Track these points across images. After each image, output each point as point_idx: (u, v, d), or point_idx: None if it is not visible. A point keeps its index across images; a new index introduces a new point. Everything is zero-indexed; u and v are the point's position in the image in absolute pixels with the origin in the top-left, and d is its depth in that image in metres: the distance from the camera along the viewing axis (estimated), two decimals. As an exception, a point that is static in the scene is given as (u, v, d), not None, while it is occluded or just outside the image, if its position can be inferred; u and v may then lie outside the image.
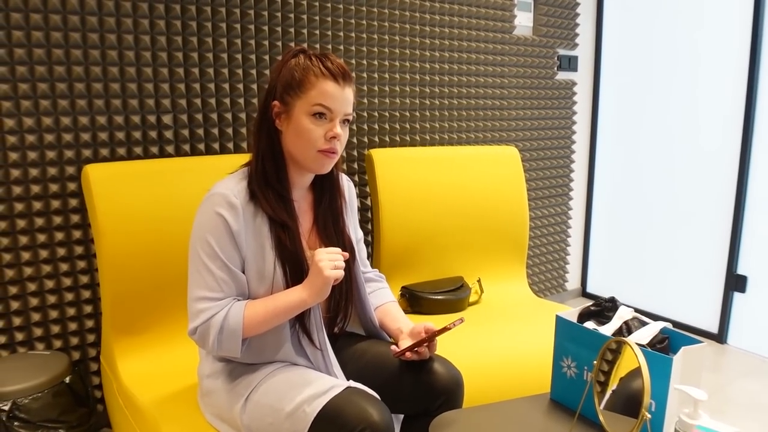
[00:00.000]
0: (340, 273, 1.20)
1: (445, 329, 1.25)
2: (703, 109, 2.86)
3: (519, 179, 2.46)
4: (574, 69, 3.14)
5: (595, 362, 1.20)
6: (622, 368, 1.23)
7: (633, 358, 1.23)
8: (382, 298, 1.51)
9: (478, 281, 2.26)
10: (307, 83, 1.21)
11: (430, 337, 1.27)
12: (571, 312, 1.41)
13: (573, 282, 3.52)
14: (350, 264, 1.35)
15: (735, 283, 2.82)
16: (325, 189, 1.38)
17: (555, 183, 3.20)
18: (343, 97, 1.23)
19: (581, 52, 3.20)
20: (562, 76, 3.10)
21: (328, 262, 1.18)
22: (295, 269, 1.25)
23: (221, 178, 1.28)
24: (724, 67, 2.76)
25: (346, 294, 1.38)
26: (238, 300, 1.23)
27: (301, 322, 1.28)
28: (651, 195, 3.17)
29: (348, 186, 1.46)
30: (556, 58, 3.03)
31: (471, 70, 2.66)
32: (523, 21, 2.85)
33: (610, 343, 1.17)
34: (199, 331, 1.19)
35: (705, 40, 2.82)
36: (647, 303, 3.19)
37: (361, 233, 1.51)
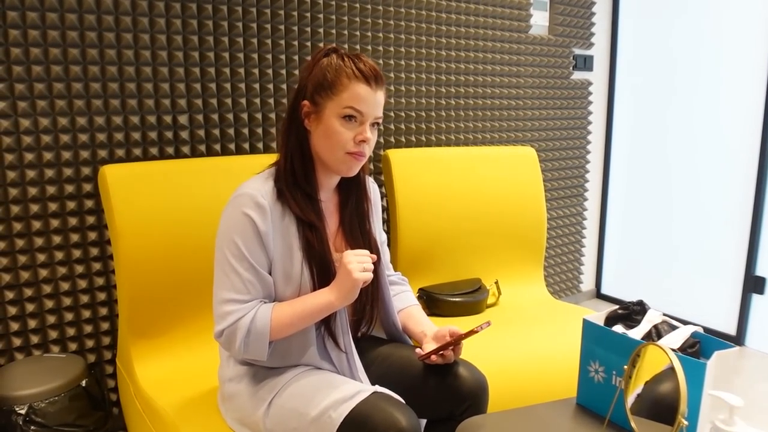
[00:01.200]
0: (369, 275, 1.18)
1: (472, 332, 1.22)
2: (721, 109, 2.82)
3: (537, 180, 2.43)
4: (590, 69, 3.11)
5: (626, 367, 1.17)
6: (645, 371, 1.20)
7: (657, 361, 1.20)
8: (405, 301, 1.49)
9: (496, 283, 2.23)
10: (340, 85, 1.19)
11: (456, 341, 1.25)
12: (597, 315, 1.38)
13: (587, 283, 3.49)
14: (376, 267, 1.33)
15: (753, 284, 2.78)
16: (351, 191, 1.36)
17: (570, 184, 3.16)
18: (374, 101, 1.21)
19: (596, 52, 3.16)
20: (577, 75, 3.07)
21: (357, 264, 1.16)
22: (322, 271, 1.23)
23: (246, 179, 1.26)
24: (741, 67, 2.72)
25: (372, 297, 1.36)
26: (265, 302, 1.21)
27: (326, 324, 1.26)
28: (666, 196, 3.13)
29: (373, 188, 1.44)
30: (571, 58, 3.00)
31: (487, 69, 2.63)
32: (539, 20, 2.82)
33: (643, 347, 1.14)
34: (226, 334, 1.17)
35: (722, 39, 2.79)
36: (663, 305, 3.15)
37: (384, 236, 1.49)
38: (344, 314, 1.27)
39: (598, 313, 1.39)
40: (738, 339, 2.84)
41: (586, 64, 3.07)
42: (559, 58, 2.94)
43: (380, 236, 1.45)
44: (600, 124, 3.32)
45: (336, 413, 1.11)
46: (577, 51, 3.04)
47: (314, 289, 1.23)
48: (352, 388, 1.16)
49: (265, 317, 1.17)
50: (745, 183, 2.76)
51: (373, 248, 1.35)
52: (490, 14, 2.60)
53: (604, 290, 3.54)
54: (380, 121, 1.25)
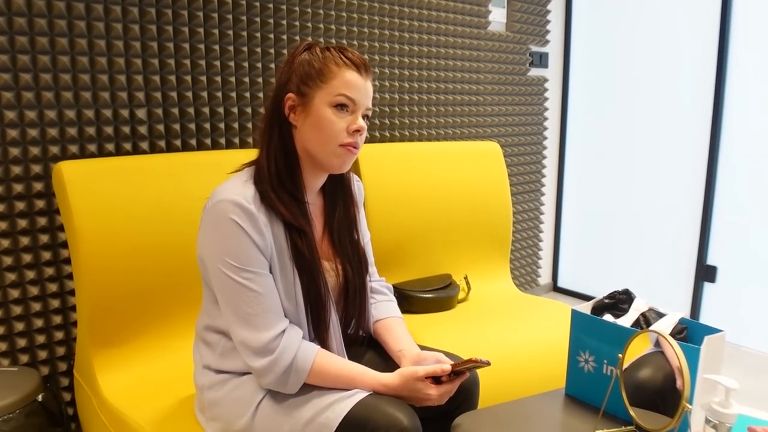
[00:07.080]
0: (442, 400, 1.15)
1: (470, 362, 1.12)
2: (671, 103, 2.91)
3: (502, 175, 2.42)
4: (545, 65, 3.15)
5: (620, 355, 1.16)
6: (625, 359, 1.20)
7: (635, 348, 1.20)
8: (385, 311, 1.37)
9: (465, 278, 2.22)
10: (329, 72, 1.12)
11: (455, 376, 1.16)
12: (584, 305, 1.37)
13: (545, 277, 3.53)
14: (362, 274, 1.29)
15: (705, 273, 2.87)
16: (337, 194, 1.28)
17: (528, 179, 3.20)
18: (365, 89, 1.15)
19: (552, 49, 3.21)
20: (534, 72, 3.10)
21: (439, 398, 1.13)
22: (312, 281, 1.15)
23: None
24: (691, 63, 2.81)
25: (359, 307, 1.29)
26: (295, 329, 1.14)
27: (316, 328, 1.19)
28: (620, 189, 3.21)
29: (358, 187, 1.36)
30: (528, 55, 3.03)
31: (448, 65, 2.62)
32: (497, 17, 2.83)
33: (638, 335, 1.14)
34: (263, 367, 1.10)
35: (672, 36, 2.87)
36: (619, 296, 3.21)
37: (368, 235, 1.41)
38: (336, 319, 1.23)
39: (585, 303, 1.38)
40: (691, 327, 2.93)
41: (542, 61, 3.10)
42: (517, 54, 2.96)
43: (364, 237, 1.37)
44: (555, 120, 3.37)
45: (334, 414, 1.05)
46: (534, 48, 3.07)
47: (306, 302, 1.16)
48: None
49: (306, 359, 1.10)
50: (696, 176, 2.85)
51: (362, 258, 1.29)
52: (450, 10, 2.59)
53: (561, 283, 3.59)
54: (370, 113, 1.19)
